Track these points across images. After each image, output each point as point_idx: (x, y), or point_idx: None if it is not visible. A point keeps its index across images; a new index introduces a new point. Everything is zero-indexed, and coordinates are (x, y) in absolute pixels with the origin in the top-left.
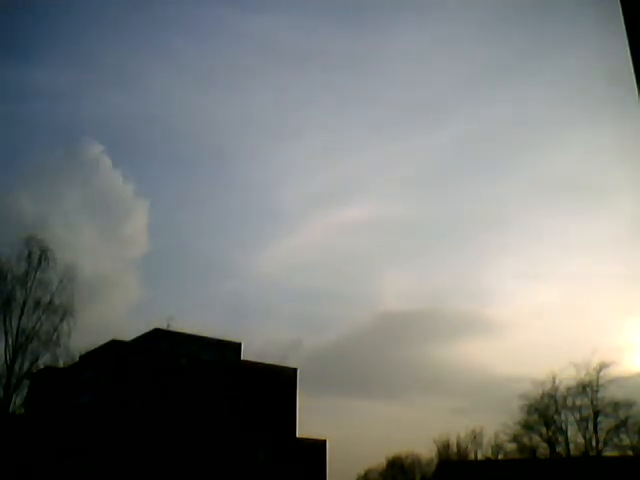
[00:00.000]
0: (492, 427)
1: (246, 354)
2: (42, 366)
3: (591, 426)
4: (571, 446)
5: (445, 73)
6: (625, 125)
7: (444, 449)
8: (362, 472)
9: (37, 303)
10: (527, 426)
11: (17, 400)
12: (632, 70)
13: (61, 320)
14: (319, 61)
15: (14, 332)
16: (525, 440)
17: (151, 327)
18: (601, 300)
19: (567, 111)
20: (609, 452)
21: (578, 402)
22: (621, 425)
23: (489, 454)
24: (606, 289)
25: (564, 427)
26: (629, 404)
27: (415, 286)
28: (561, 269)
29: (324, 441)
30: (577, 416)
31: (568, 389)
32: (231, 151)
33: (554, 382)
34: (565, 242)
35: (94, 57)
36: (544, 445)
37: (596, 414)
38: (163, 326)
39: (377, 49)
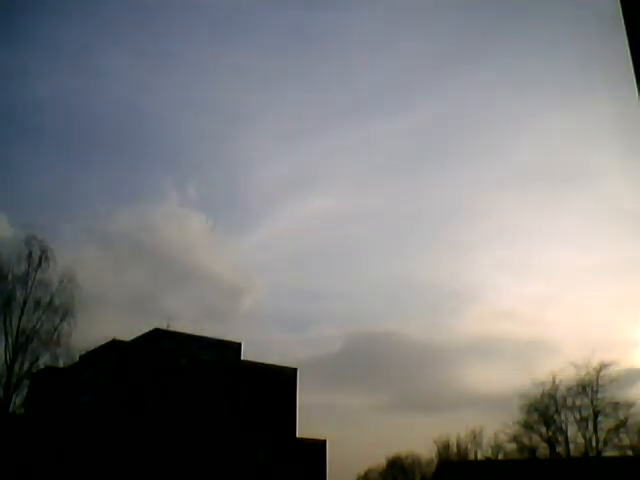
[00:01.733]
0: (492, 427)
1: (246, 354)
2: (42, 366)
3: (591, 426)
4: (571, 446)
5: (412, 56)
6: (615, 112)
7: (444, 449)
8: (362, 472)
9: (37, 303)
10: (527, 426)
11: (17, 400)
12: (632, 70)
13: (61, 320)
14: (282, 44)
15: (14, 332)
16: (525, 440)
17: (151, 327)
18: (588, 292)
19: (536, 97)
20: (609, 452)
21: (578, 402)
22: (621, 425)
23: (489, 454)
24: (592, 281)
25: (564, 427)
26: (629, 404)
27: (391, 282)
28: (544, 261)
29: (324, 441)
30: (577, 416)
31: (568, 389)
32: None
33: (554, 382)
34: (545, 233)
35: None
36: (544, 445)
37: (596, 414)
38: (163, 326)
39: (340, 32)
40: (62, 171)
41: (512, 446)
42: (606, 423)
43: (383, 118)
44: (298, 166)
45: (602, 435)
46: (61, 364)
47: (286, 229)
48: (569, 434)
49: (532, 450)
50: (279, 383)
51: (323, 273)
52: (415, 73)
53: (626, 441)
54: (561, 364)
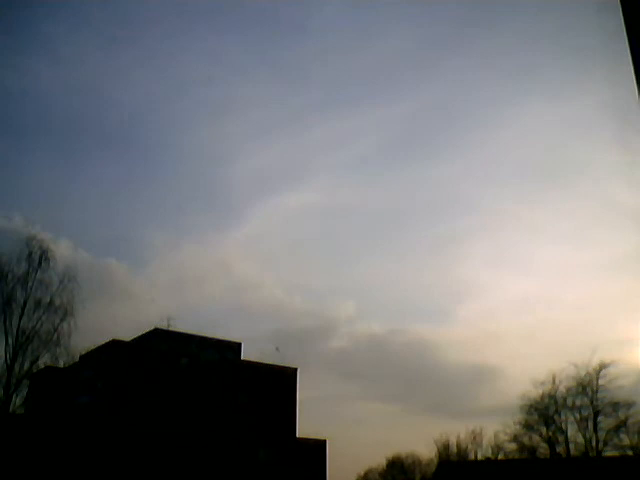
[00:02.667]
0: (492, 427)
1: (246, 354)
2: (42, 366)
3: (591, 426)
4: (571, 446)
5: (394, 46)
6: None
7: (444, 449)
8: (362, 472)
9: (37, 303)
10: (527, 426)
11: (17, 400)
12: (632, 70)
13: (61, 320)
14: (260, 34)
15: (14, 332)
16: (525, 440)
17: (151, 327)
18: (581, 290)
19: (522, 88)
20: (609, 452)
21: (578, 402)
22: (621, 425)
23: (489, 454)
24: (585, 278)
25: (564, 427)
26: (629, 404)
27: (380, 280)
28: (535, 258)
29: (324, 441)
30: (577, 416)
31: (568, 389)
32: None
33: (554, 382)
34: (534, 228)
35: None
36: (544, 445)
37: (596, 414)
38: (163, 326)
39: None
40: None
41: (512, 446)
42: (606, 423)
43: (367, 109)
44: (279, 160)
45: (602, 435)
46: (61, 364)
47: (270, 225)
48: (569, 434)
49: (532, 450)
50: (279, 383)
51: (307, 270)
52: (399, 64)
53: (626, 441)
54: (557, 364)
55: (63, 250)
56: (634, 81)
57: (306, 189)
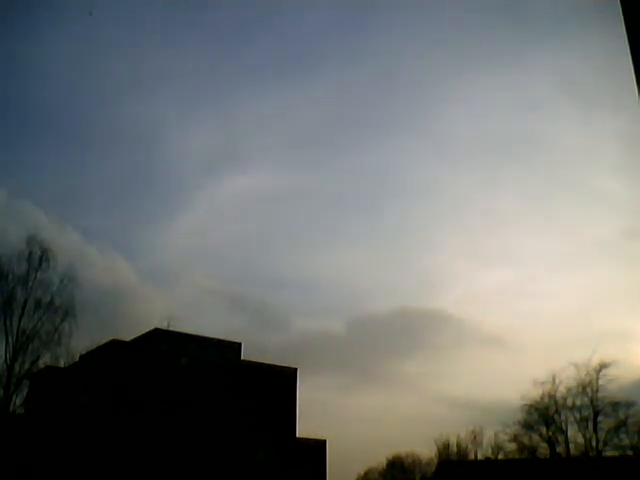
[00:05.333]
0: (492, 427)
1: (246, 354)
2: (42, 366)
3: (591, 426)
4: (571, 446)
5: (333, 18)
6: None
7: (444, 449)
8: (362, 472)
9: (38, 303)
10: (527, 426)
11: (17, 400)
12: (632, 70)
13: (62, 320)
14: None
15: (15, 332)
16: (525, 440)
17: (151, 327)
18: (561, 283)
19: (473, 60)
20: (609, 452)
21: (578, 402)
22: (621, 425)
23: (489, 454)
24: (562, 270)
25: (564, 427)
26: (629, 404)
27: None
28: (513, 248)
29: (324, 441)
30: (577, 416)
31: (568, 389)
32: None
33: (554, 382)
34: (506, 217)
35: None
36: (544, 445)
37: (596, 414)
38: (163, 326)
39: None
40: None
41: (512, 446)
42: (606, 423)
43: (305, 85)
44: (213, 140)
45: (602, 435)
46: (61, 364)
47: (213, 212)
48: (569, 434)
49: (532, 450)
50: (279, 383)
51: (260, 260)
52: (339, 31)
53: (626, 441)
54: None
55: None
56: (634, 81)
57: (243, 173)
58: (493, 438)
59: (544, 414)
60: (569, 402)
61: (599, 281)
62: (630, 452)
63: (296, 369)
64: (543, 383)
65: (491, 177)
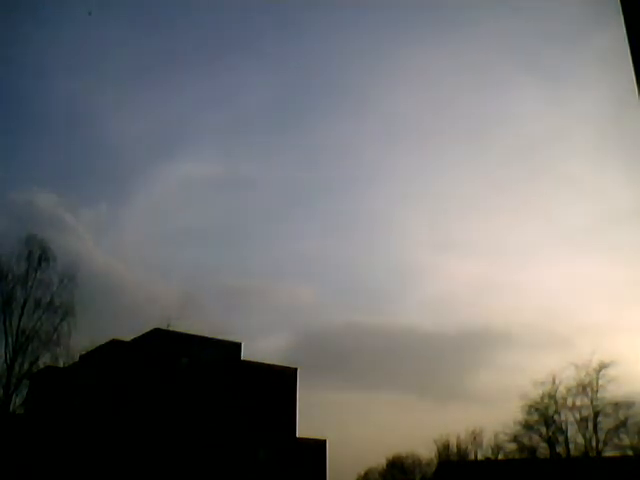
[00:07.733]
0: (492, 427)
1: (246, 354)
2: (42, 366)
3: (591, 426)
4: (571, 446)
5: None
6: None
7: (444, 449)
8: (362, 472)
9: (37, 303)
10: (527, 426)
11: (17, 400)
12: (632, 70)
13: (61, 320)
14: None
15: (14, 332)
16: (525, 440)
17: (151, 327)
18: (536, 273)
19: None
20: (609, 452)
21: (578, 402)
22: (621, 425)
23: (489, 454)
24: (539, 258)
25: (564, 427)
26: (629, 404)
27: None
28: (483, 236)
29: (324, 441)
30: (577, 416)
31: (568, 389)
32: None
33: (554, 382)
34: (474, 201)
35: None
36: (544, 445)
37: (596, 414)
38: (163, 326)
39: None
40: None
41: (512, 446)
42: (606, 423)
43: (255, 66)
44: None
45: (602, 435)
46: (61, 364)
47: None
48: (569, 434)
49: (532, 450)
50: (279, 383)
51: (216, 251)
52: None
53: (626, 441)
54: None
55: None
56: (634, 81)
57: (189, 157)
58: (493, 438)
59: (544, 414)
60: (569, 402)
61: (580, 270)
62: (630, 452)
63: (296, 369)
64: (543, 383)
65: (457, 162)
